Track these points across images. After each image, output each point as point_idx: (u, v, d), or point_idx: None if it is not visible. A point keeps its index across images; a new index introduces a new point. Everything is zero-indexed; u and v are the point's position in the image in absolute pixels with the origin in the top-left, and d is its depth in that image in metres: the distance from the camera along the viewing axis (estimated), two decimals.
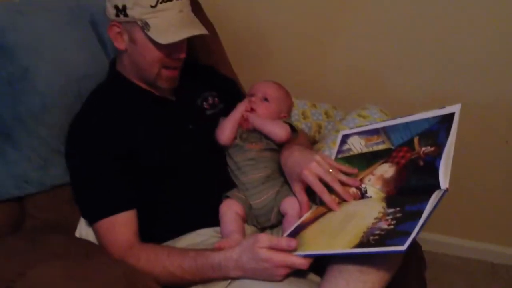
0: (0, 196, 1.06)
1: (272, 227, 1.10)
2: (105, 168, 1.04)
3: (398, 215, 0.82)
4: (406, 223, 0.78)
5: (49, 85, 1.11)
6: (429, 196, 0.81)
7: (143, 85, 1.15)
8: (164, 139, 1.11)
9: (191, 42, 1.14)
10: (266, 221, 1.08)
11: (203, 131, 1.15)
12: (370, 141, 1.02)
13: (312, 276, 0.94)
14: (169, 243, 1.06)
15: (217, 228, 1.06)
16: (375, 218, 0.84)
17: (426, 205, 0.79)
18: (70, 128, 1.11)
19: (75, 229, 1.11)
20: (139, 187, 1.06)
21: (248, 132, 1.14)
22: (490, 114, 1.64)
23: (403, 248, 0.73)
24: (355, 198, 0.95)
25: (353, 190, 0.96)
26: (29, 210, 1.10)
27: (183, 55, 1.10)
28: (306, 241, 0.88)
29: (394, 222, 0.81)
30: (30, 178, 1.08)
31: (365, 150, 1.02)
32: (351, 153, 1.04)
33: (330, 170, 0.97)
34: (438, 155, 0.87)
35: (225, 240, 0.96)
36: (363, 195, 0.94)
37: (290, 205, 1.04)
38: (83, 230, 1.10)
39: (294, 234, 0.92)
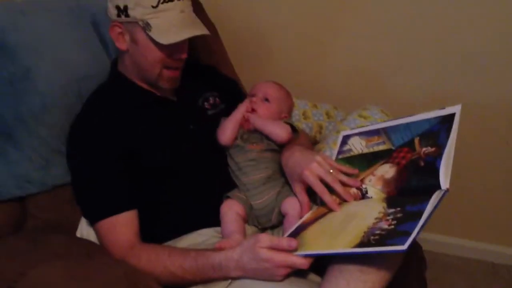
0: (2, 196, 1.06)
1: (272, 227, 1.10)
2: (106, 169, 1.04)
3: (398, 215, 0.82)
4: (406, 223, 0.78)
5: (49, 85, 1.11)
6: (430, 197, 0.81)
7: (145, 86, 1.15)
8: (166, 139, 1.11)
9: (192, 42, 1.14)
10: (267, 221, 1.09)
11: (204, 131, 1.16)
12: (370, 141, 1.03)
13: (313, 276, 0.94)
14: (170, 243, 1.07)
15: (218, 228, 1.06)
16: (376, 218, 0.84)
17: (426, 205, 0.80)
18: (71, 128, 1.11)
19: (76, 229, 1.11)
20: (140, 187, 1.06)
21: (249, 132, 1.15)
22: (491, 114, 1.64)
23: (403, 248, 0.73)
24: (355, 198, 0.95)
25: (353, 190, 0.96)
26: (31, 210, 1.10)
27: (184, 56, 1.10)
28: (306, 241, 0.88)
29: (394, 222, 0.81)
30: (31, 178, 1.09)
31: (365, 150, 1.02)
32: (352, 153, 1.05)
33: (331, 171, 0.97)
34: (438, 155, 0.87)
35: (225, 240, 0.97)
36: (363, 195, 0.94)
37: (291, 206, 1.04)
38: (84, 230, 1.10)
39: (295, 234, 0.92)
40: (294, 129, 1.17)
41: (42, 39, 1.13)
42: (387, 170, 0.94)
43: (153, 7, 1.02)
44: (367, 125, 1.10)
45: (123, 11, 1.04)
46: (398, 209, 0.84)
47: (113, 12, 1.06)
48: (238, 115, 1.16)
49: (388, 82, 1.71)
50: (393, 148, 0.97)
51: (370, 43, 1.67)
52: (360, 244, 0.79)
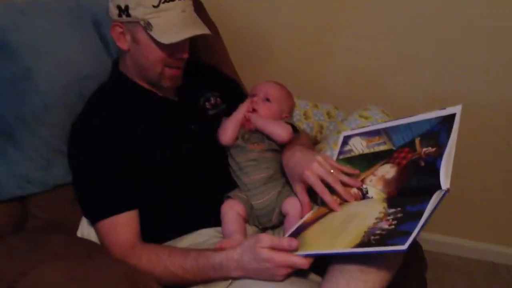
0: (2, 196, 1.06)
1: (273, 227, 1.10)
2: (107, 168, 1.04)
3: (399, 215, 0.82)
4: (407, 223, 0.79)
5: (50, 85, 1.11)
6: (430, 197, 0.81)
7: (146, 85, 1.15)
8: (167, 139, 1.11)
9: (193, 41, 1.14)
10: (268, 221, 1.09)
11: (205, 131, 1.16)
12: (371, 142, 1.03)
13: (313, 276, 0.94)
14: (171, 243, 1.07)
15: (219, 228, 1.06)
16: (376, 218, 0.84)
17: (427, 205, 0.80)
18: (73, 128, 1.11)
19: (77, 229, 1.11)
20: (141, 187, 1.06)
21: (250, 132, 1.15)
22: (491, 114, 1.64)
23: (403, 248, 0.74)
24: (356, 198, 0.95)
25: (354, 190, 0.96)
26: (32, 209, 1.10)
27: (185, 55, 1.10)
28: (307, 241, 0.88)
29: (395, 222, 0.81)
30: (32, 178, 1.09)
31: (366, 151, 1.03)
32: (353, 154, 1.05)
33: (332, 171, 0.97)
34: (439, 155, 0.87)
35: (226, 241, 0.97)
36: (364, 195, 0.95)
37: (292, 206, 1.04)
38: (85, 230, 1.10)
39: (296, 234, 0.92)
40: (295, 129, 1.17)
41: (43, 39, 1.13)
42: (388, 171, 0.94)
43: (154, 6, 1.02)
44: (368, 126, 1.10)
45: (124, 11, 1.04)
46: (399, 209, 0.84)
47: (114, 12, 1.06)
48: (239, 115, 1.16)
49: (388, 82, 1.71)
50: (393, 148, 0.97)
51: (370, 43, 1.67)
52: (361, 244, 0.79)
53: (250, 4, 1.71)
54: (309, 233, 0.91)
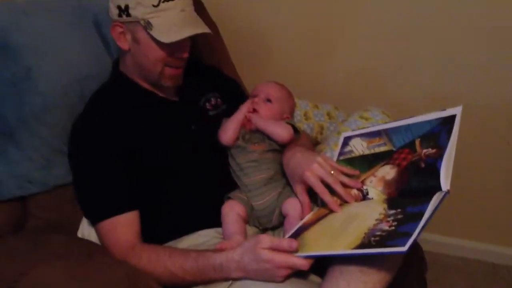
0: (2, 196, 1.06)
1: (273, 228, 1.10)
2: (108, 169, 1.04)
3: (399, 216, 0.82)
4: (407, 225, 0.79)
5: (51, 85, 1.11)
6: (430, 198, 0.81)
7: (146, 86, 1.15)
8: (167, 140, 1.11)
9: (194, 41, 1.14)
10: (268, 222, 1.09)
11: (206, 131, 1.16)
12: (371, 143, 1.03)
13: (313, 277, 0.94)
14: (171, 243, 1.07)
15: (219, 229, 1.06)
16: (376, 220, 0.84)
17: (427, 206, 0.80)
18: (73, 128, 1.11)
19: (77, 229, 1.11)
20: (141, 187, 1.06)
21: (251, 133, 1.15)
22: (491, 114, 1.64)
23: (404, 249, 0.74)
24: (356, 199, 0.95)
25: (354, 191, 0.96)
26: (32, 210, 1.10)
27: (186, 54, 1.10)
28: (307, 242, 0.88)
29: (395, 223, 0.81)
30: (32, 178, 1.09)
31: (366, 152, 1.03)
32: (353, 155, 1.05)
33: (332, 172, 0.97)
34: (439, 157, 0.87)
35: (226, 242, 0.97)
36: (364, 196, 0.95)
37: (292, 206, 1.04)
38: (85, 230, 1.10)
39: (296, 235, 0.92)
40: (295, 130, 1.17)
41: (44, 39, 1.13)
42: (388, 172, 0.94)
43: (154, 6, 1.02)
44: (368, 127, 1.10)
45: (124, 10, 1.04)
46: (399, 210, 0.84)
47: (114, 12, 1.06)
48: (240, 115, 1.16)
49: (388, 82, 1.71)
50: (394, 149, 0.97)
51: (370, 43, 1.67)
52: (361, 245, 0.79)
53: (250, 4, 1.71)
54: (309, 234, 0.91)
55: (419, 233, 0.75)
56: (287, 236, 0.94)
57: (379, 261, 0.84)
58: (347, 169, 1.00)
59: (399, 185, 0.91)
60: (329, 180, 0.96)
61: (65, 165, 1.11)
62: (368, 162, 1.00)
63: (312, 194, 1.00)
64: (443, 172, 0.85)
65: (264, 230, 1.10)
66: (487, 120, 1.66)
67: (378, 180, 0.94)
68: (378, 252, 0.77)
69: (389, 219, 0.83)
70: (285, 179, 1.10)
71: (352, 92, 1.74)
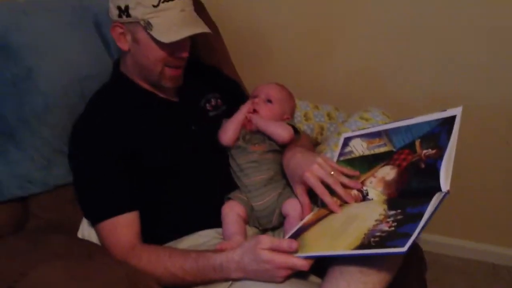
0: (3, 196, 1.06)
1: (273, 228, 1.10)
2: (108, 169, 1.04)
3: (399, 217, 0.82)
4: (406, 225, 0.79)
5: (51, 85, 1.11)
6: (430, 199, 0.81)
7: (147, 86, 1.15)
8: (167, 140, 1.11)
9: (194, 41, 1.14)
10: (268, 222, 1.09)
11: (206, 132, 1.16)
12: (372, 143, 1.03)
13: (313, 278, 0.94)
14: (171, 244, 1.07)
15: (219, 230, 1.06)
16: (376, 220, 0.84)
17: (427, 207, 0.80)
18: (74, 128, 1.11)
19: (77, 229, 1.11)
20: (142, 187, 1.06)
21: (251, 133, 1.15)
22: (491, 114, 1.64)
23: (403, 249, 0.74)
24: (356, 200, 0.95)
25: (354, 192, 0.96)
26: (33, 210, 1.10)
27: (186, 54, 1.10)
28: (307, 242, 0.88)
29: (395, 224, 0.81)
30: (33, 178, 1.09)
31: (366, 152, 1.03)
32: (353, 155, 1.05)
33: (332, 173, 0.97)
34: (439, 157, 0.87)
35: (226, 242, 0.97)
36: (364, 197, 0.95)
37: (292, 207, 1.04)
38: (86, 231, 1.10)
39: (296, 236, 0.92)
40: (296, 130, 1.17)
41: (44, 39, 1.13)
42: (388, 172, 0.94)
43: (154, 6, 1.02)
44: (368, 127, 1.10)
45: (124, 11, 1.04)
46: (399, 211, 0.84)
47: (114, 12, 1.06)
48: (240, 116, 1.16)
49: (388, 82, 1.71)
50: (394, 150, 0.97)
51: (370, 43, 1.67)
52: (361, 246, 0.80)
53: (250, 4, 1.71)
54: (309, 234, 0.91)
55: (418, 234, 0.76)
56: (287, 236, 0.94)
57: (379, 261, 0.84)
58: (347, 170, 1.00)
59: (399, 186, 0.91)
60: (329, 181, 0.96)
61: (66, 165, 1.11)
62: (368, 162, 1.00)
63: (312, 194, 1.00)
64: (443, 172, 0.85)
65: (264, 231, 1.10)
66: (487, 120, 1.66)
67: (378, 181, 0.94)
68: (377, 253, 0.77)
69: (389, 219, 0.83)
70: (285, 180, 1.10)
71: (352, 92, 1.74)
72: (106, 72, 1.19)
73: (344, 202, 0.95)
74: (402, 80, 1.69)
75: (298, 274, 0.89)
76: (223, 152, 1.16)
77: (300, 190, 1.02)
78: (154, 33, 1.03)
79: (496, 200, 1.76)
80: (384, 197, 0.91)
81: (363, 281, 0.83)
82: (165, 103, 1.16)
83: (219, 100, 1.25)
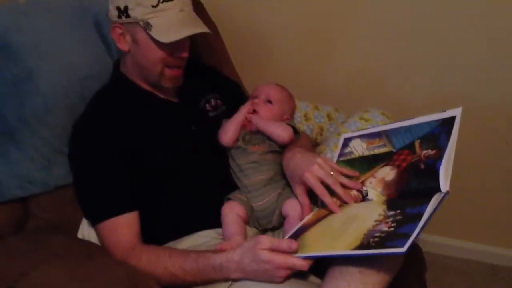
0: (3, 196, 1.06)
1: (273, 229, 1.10)
2: (108, 170, 1.04)
3: (398, 217, 0.82)
4: (406, 226, 0.79)
5: (51, 86, 1.11)
6: (430, 199, 0.82)
7: (147, 87, 1.15)
8: (167, 140, 1.11)
9: (193, 41, 1.14)
10: (268, 223, 1.09)
11: (206, 132, 1.16)
12: (371, 144, 1.03)
13: (313, 278, 0.94)
14: (171, 244, 1.07)
15: (219, 230, 1.06)
16: (376, 221, 0.84)
17: (426, 207, 0.80)
18: (74, 129, 1.11)
19: (77, 230, 1.11)
20: (141, 188, 1.07)
21: (251, 133, 1.15)
22: (491, 114, 1.64)
23: (402, 250, 0.74)
24: (356, 200, 0.95)
25: (354, 192, 0.96)
26: (33, 210, 1.10)
27: (185, 54, 1.10)
28: (307, 243, 0.88)
29: (394, 224, 0.81)
30: (33, 178, 1.09)
31: (366, 153, 1.03)
32: (353, 156, 1.05)
33: (332, 173, 0.97)
34: (439, 158, 0.87)
35: (226, 242, 0.97)
36: (364, 197, 0.95)
37: (292, 207, 1.04)
38: (86, 231, 1.10)
39: (295, 236, 0.92)
40: (296, 131, 1.17)
41: (45, 40, 1.13)
42: (388, 173, 0.94)
43: (153, 6, 1.02)
44: (368, 128, 1.11)
45: (123, 12, 1.04)
46: (398, 211, 0.84)
47: (113, 13, 1.06)
48: (240, 116, 1.16)
49: (388, 82, 1.71)
50: (393, 150, 0.98)
51: (370, 43, 1.67)
52: (360, 246, 0.80)
53: (250, 4, 1.71)
54: (309, 235, 0.91)
55: (418, 234, 0.76)
56: (286, 236, 0.95)
57: (378, 262, 0.84)
58: (347, 170, 1.00)
59: (399, 186, 0.91)
60: (329, 181, 0.96)
61: (66, 165, 1.11)
62: (368, 163, 1.00)
63: (312, 195, 1.00)
64: (442, 173, 0.85)
65: (264, 231, 1.10)
66: (487, 120, 1.66)
67: (378, 181, 0.95)
68: (377, 253, 0.78)
69: (388, 220, 0.83)
70: (284, 180, 1.10)
71: (352, 92, 1.74)
72: (106, 73, 1.19)
73: (343, 203, 0.95)
74: (402, 80, 1.69)
75: (298, 275, 0.89)
76: (223, 153, 1.16)
77: (299, 191, 1.02)
78: (153, 33, 1.03)
79: (496, 201, 1.76)
80: (383, 198, 0.92)
81: (362, 282, 0.83)
82: (165, 104, 1.16)
83: (219, 101, 1.25)
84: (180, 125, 1.14)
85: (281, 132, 1.13)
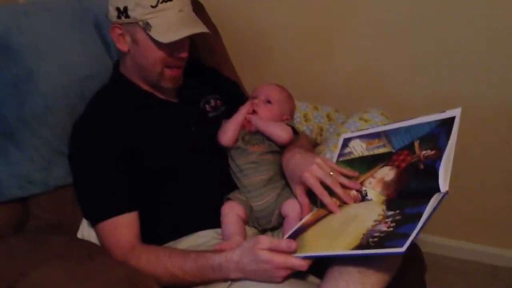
0: (3, 196, 1.06)
1: (273, 229, 1.11)
2: (108, 170, 1.04)
3: (397, 217, 0.82)
4: (405, 226, 0.79)
5: (51, 86, 1.12)
6: (429, 199, 0.81)
7: (146, 87, 1.15)
8: (167, 141, 1.11)
9: (193, 41, 1.14)
10: (267, 223, 1.09)
11: (205, 133, 1.16)
12: (371, 144, 1.03)
13: (312, 278, 0.94)
14: (171, 244, 1.07)
15: (219, 230, 1.06)
16: (375, 221, 0.84)
17: (425, 208, 0.80)
18: (74, 129, 1.11)
19: (77, 230, 1.11)
20: (141, 188, 1.07)
21: (251, 134, 1.15)
22: (491, 114, 1.64)
23: (402, 250, 0.74)
24: (355, 200, 0.95)
25: (353, 193, 0.96)
26: (33, 210, 1.10)
27: (185, 54, 1.10)
28: (306, 243, 0.88)
29: (393, 224, 0.81)
30: (33, 178, 1.09)
31: (366, 153, 1.03)
32: (352, 156, 1.05)
33: (331, 173, 0.97)
34: (438, 158, 0.87)
35: (226, 242, 0.97)
36: (363, 198, 0.95)
37: (291, 207, 1.05)
38: (85, 231, 1.10)
39: (294, 236, 0.92)
40: (295, 131, 1.17)
41: (45, 40, 1.14)
42: (387, 173, 0.94)
43: (152, 7, 1.02)
44: (367, 128, 1.11)
45: (123, 12, 1.04)
46: (397, 211, 0.84)
47: (113, 14, 1.06)
48: (240, 116, 1.16)
49: (388, 82, 1.71)
50: (393, 151, 0.98)
51: (370, 43, 1.67)
52: (359, 246, 0.80)
53: (250, 4, 1.71)
54: (308, 235, 0.91)
55: (417, 234, 0.76)
56: (285, 236, 0.95)
57: (377, 262, 0.84)
58: (346, 170, 1.00)
59: (398, 187, 0.91)
60: (328, 181, 0.96)
61: (66, 166, 1.11)
62: (368, 163, 1.00)
63: (311, 195, 1.00)
64: (441, 173, 0.85)
65: (263, 231, 1.10)
66: (487, 120, 1.65)
67: (377, 182, 0.95)
68: (376, 253, 0.78)
69: (387, 220, 0.83)
70: (284, 180, 1.10)
71: (352, 92, 1.74)
72: (106, 73, 1.19)
73: (343, 203, 0.95)
74: (402, 80, 1.69)
75: (297, 275, 0.89)
76: (223, 153, 1.16)
77: (299, 191, 1.02)
78: (153, 33, 1.03)
79: (496, 201, 1.76)
80: (383, 198, 0.92)
81: (362, 282, 0.83)
82: (164, 104, 1.16)
83: (218, 101, 1.25)
84: (179, 125, 1.15)
85: (281, 132, 1.13)
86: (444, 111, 0.93)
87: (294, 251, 0.86)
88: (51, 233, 1.07)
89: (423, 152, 0.91)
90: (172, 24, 1.04)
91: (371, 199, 0.93)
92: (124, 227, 1.02)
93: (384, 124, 1.10)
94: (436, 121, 0.93)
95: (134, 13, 1.03)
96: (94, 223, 1.06)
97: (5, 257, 0.92)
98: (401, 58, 1.66)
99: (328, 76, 1.75)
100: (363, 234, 0.82)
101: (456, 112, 0.91)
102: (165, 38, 1.03)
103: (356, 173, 1.00)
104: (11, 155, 1.08)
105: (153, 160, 1.08)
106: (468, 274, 1.82)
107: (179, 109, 1.17)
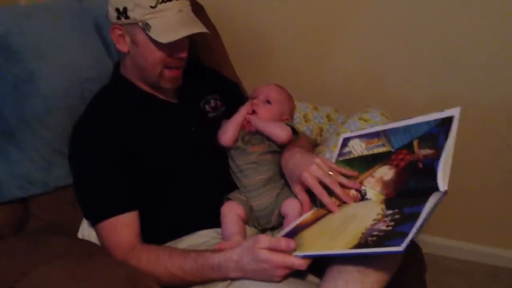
0: (3, 197, 1.06)
1: (272, 228, 1.11)
2: (108, 170, 1.05)
3: (396, 216, 0.83)
4: (404, 225, 0.79)
5: (52, 87, 1.12)
6: (428, 198, 0.81)
7: (146, 88, 1.15)
8: (167, 141, 1.11)
9: (192, 42, 1.15)
10: (267, 222, 1.09)
11: (205, 133, 1.16)
12: (370, 144, 1.03)
13: (311, 277, 0.94)
14: (171, 244, 1.07)
15: (218, 230, 1.06)
16: (374, 220, 0.84)
17: (424, 207, 0.80)
18: (74, 130, 1.12)
19: (77, 230, 1.11)
20: (141, 188, 1.07)
21: (250, 134, 1.15)
22: (491, 115, 1.64)
23: (400, 248, 0.74)
24: (355, 200, 0.95)
25: (353, 192, 0.96)
26: (33, 211, 1.11)
27: (184, 54, 1.11)
28: (305, 242, 0.89)
29: (392, 223, 0.81)
30: (33, 179, 1.09)
31: (365, 152, 1.03)
32: (352, 155, 1.05)
33: (330, 173, 0.98)
34: (437, 157, 0.87)
35: (226, 242, 0.98)
36: (363, 197, 0.95)
37: (291, 207, 1.05)
38: (86, 232, 1.10)
39: (292, 234, 0.92)
40: (295, 131, 1.17)
41: (45, 41, 1.14)
42: (386, 172, 0.94)
43: (151, 7, 1.03)
44: (367, 128, 1.11)
45: (122, 13, 1.04)
46: (396, 210, 0.84)
47: (113, 14, 1.07)
48: (240, 117, 1.16)
49: (388, 82, 1.71)
50: (392, 150, 0.98)
51: (370, 43, 1.67)
52: (358, 245, 0.80)
53: (250, 4, 1.71)
54: (308, 234, 0.91)
55: (416, 233, 0.76)
56: (282, 234, 0.94)
57: (377, 261, 0.84)
58: (346, 170, 1.00)
59: (397, 186, 0.91)
60: (327, 181, 0.96)
61: (66, 166, 1.11)
62: (367, 162, 1.00)
63: (310, 195, 1.00)
64: (440, 173, 0.85)
65: (263, 231, 1.11)
66: (487, 121, 1.65)
67: (377, 181, 0.95)
68: (375, 252, 0.78)
69: (386, 219, 0.83)
70: (283, 180, 1.10)
71: (352, 92, 1.74)
72: (107, 74, 1.19)
73: (342, 202, 0.96)
74: (402, 80, 1.69)
75: (297, 274, 0.89)
76: (223, 153, 1.16)
77: (298, 190, 1.02)
78: (152, 34, 1.03)
79: (496, 201, 1.75)
80: (382, 197, 0.92)
81: (361, 281, 0.83)
82: (164, 105, 1.17)
83: (218, 101, 1.25)
84: (179, 126, 1.15)
85: (280, 132, 1.13)
86: (443, 110, 0.93)
87: (294, 251, 0.86)
88: (51, 233, 1.08)
89: (422, 151, 0.91)
90: (171, 25, 1.04)
91: (370, 199, 0.93)
92: (124, 227, 1.02)
93: (384, 124, 1.10)
94: (435, 120, 0.93)
95: (133, 14, 1.04)
96: (94, 223, 1.06)
97: (5, 257, 0.92)
98: (401, 58, 1.66)
99: (328, 76, 1.75)
100: (362, 233, 0.82)
101: (455, 112, 0.91)
102: (164, 39, 1.03)
103: (355, 173, 1.00)
104: (11, 155, 1.08)
105: (153, 160, 1.08)
106: (467, 274, 1.81)
107: (179, 109, 1.17)
